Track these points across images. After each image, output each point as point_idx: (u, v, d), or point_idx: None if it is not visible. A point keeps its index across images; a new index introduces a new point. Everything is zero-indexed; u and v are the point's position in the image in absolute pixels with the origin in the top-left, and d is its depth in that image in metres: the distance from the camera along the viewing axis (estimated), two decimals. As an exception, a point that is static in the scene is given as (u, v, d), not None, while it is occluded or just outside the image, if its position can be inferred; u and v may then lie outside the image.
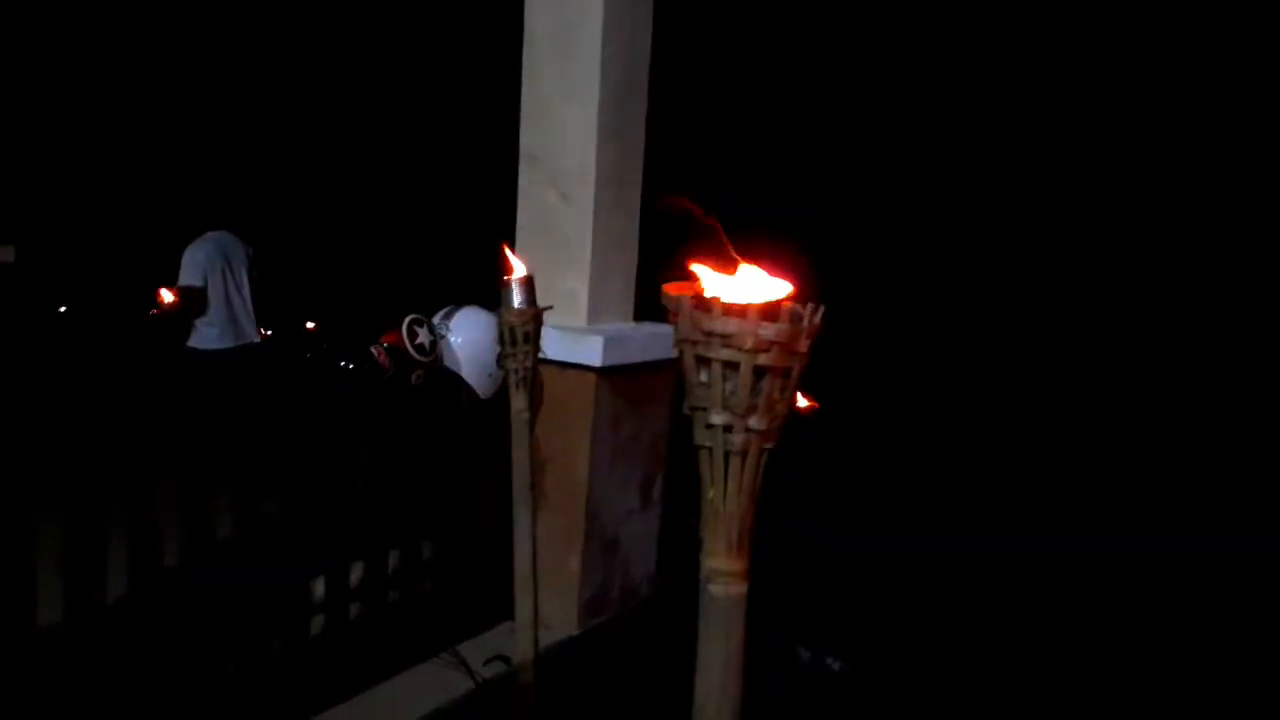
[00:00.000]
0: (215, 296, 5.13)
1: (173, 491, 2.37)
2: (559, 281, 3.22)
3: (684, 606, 3.14)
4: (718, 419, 0.88)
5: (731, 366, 0.87)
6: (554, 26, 3.27)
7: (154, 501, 2.30)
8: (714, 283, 0.90)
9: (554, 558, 3.13)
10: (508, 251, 2.34)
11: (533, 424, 2.41)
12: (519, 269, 2.31)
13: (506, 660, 3.01)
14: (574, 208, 3.29)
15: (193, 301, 5.10)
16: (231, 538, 2.51)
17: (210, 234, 5.23)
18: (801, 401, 3.20)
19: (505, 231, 3.45)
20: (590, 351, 3.18)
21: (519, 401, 2.33)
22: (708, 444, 0.90)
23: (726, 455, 0.89)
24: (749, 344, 0.85)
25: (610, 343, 3.20)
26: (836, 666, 3.18)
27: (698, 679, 0.95)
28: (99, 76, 7.79)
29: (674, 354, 2.97)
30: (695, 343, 0.88)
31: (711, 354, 0.87)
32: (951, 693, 3.17)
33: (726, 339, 0.86)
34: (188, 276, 5.11)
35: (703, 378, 0.89)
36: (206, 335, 5.15)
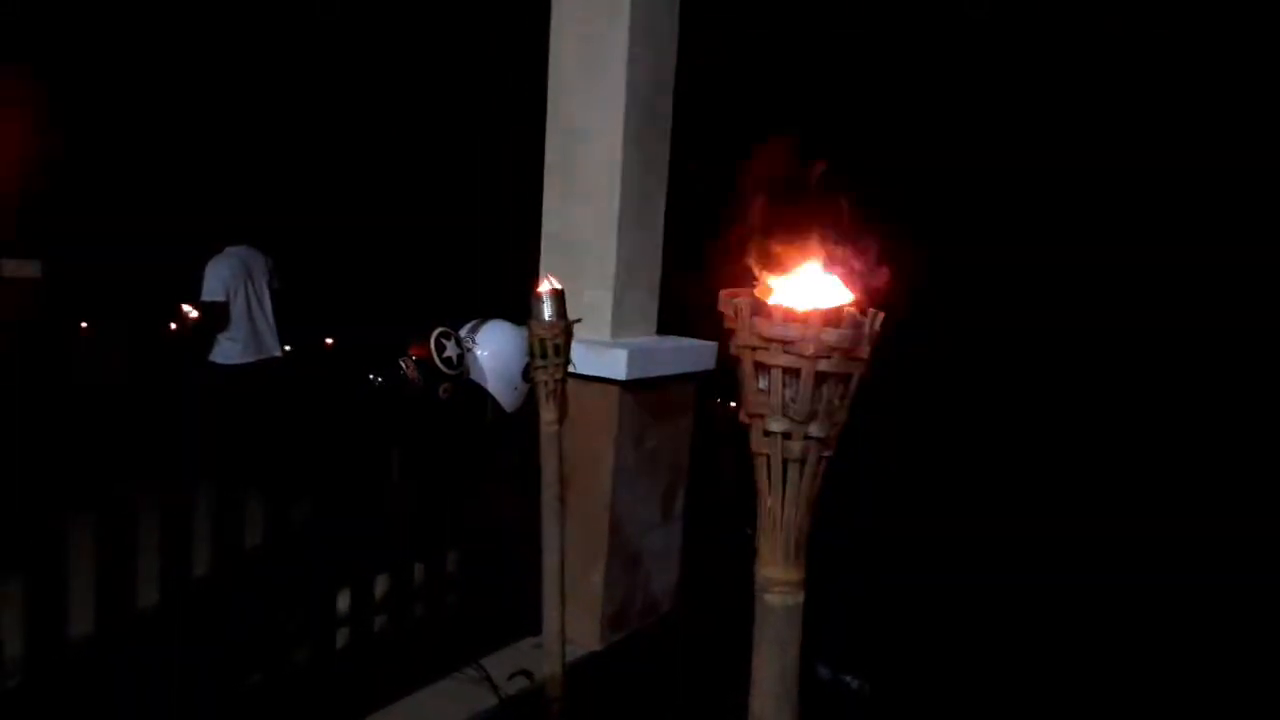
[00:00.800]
0: (237, 311, 5.15)
1: (203, 503, 2.37)
2: (583, 294, 3.22)
3: (706, 622, 3.14)
4: (777, 426, 0.87)
5: (791, 373, 0.86)
6: (580, 41, 3.29)
7: (188, 512, 2.30)
8: (774, 287, 0.89)
9: (576, 572, 3.12)
10: (538, 269, 2.35)
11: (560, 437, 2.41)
12: (549, 281, 2.31)
13: (529, 675, 3.00)
14: (598, 220, 3.30)
15: (216, 317, 5.13)
16: (260, 549, 2.51)
17: (231, 248, 5.26)
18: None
19: (530, 244, 3.47)
20: (614, 364, 3.17)
21: (549, 413, 2.33)
22: (766, 451, 0.89)
23: (785, 463, 0.88)
24: (811, 350, 0.84)
25: (635, 356, 3.20)
26: (855, 685, 3.15)
27: (753, 692, 0.93)
28: (123, 90, 7.86)
29: (697, 368, 2.95)
30: (754, 349, 0.87)
31: (771, 360, 0.86)
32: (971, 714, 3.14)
33: (788, 344, 0.85)
34: (210, 292, 5.14)
35: (761, 384, 0.88)
36: (229, 350, 5.17)
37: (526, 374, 3.14)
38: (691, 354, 3.57)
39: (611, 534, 3.32)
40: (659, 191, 3.48)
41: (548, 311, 2.30)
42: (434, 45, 7.67)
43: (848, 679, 3.15)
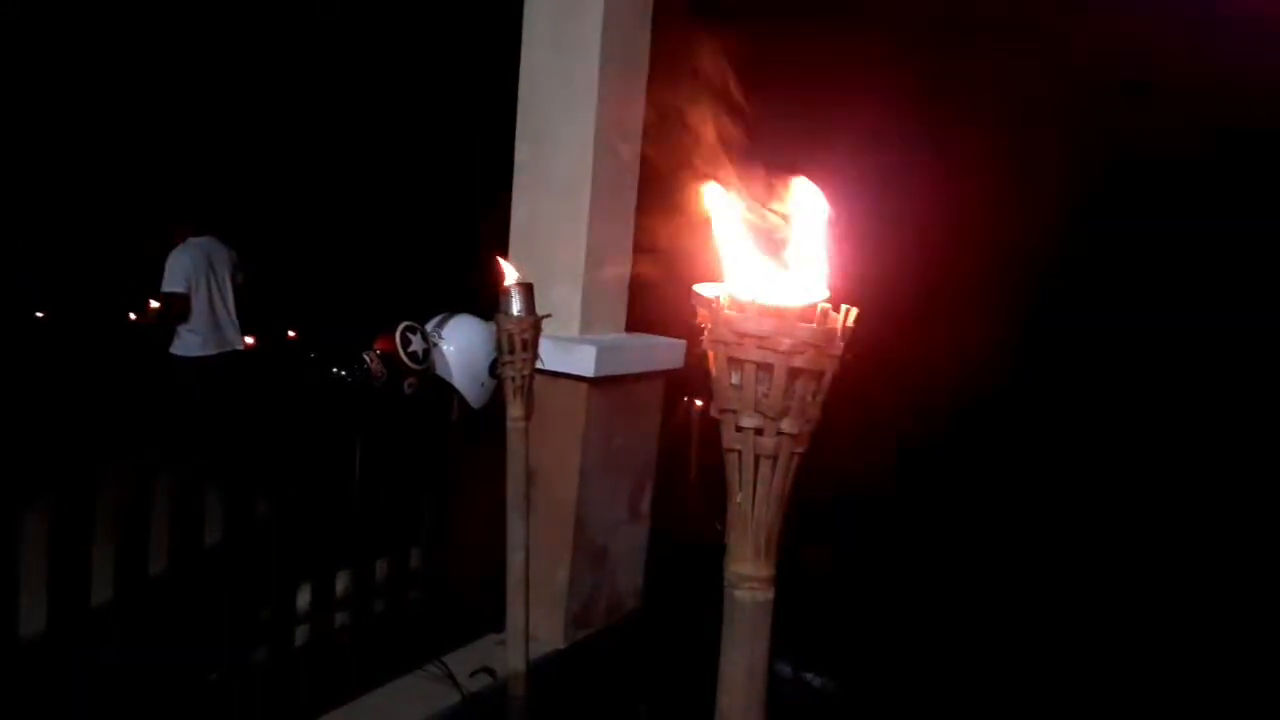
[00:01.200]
0: (199, 303, 5.08)
1: (161, 497, 2.32)
2: (551, 291, 3.20)
3: (672, 620, 3.13)
4: (749, 422, 0.87)
5: (764, 369, 0.86)
6: (552, 35, 3.27)
7: (146, 506, 2.26)
8: (745, 282, 0.89)
9: (542, 569, 3.10)
10: (503, 261, 2.33)
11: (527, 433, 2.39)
12: (517, 276, 2.29)
13: (492, 672, 2.98)
14: (568, 216, 3.29)
15: (176, 308, 5.05)
16: (219, 544, 2.47)
17: (194, 239, 5.18)
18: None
19: (497, 238, 3.45)
20: (583, 361, 3.16)
21: (516, 409, 2.31)
22: (737, 447, 0.88)
23: (757, 459, 0.87)
24: (784, 345, 0.84)
25: (604, 353, 3.19)
26: (817, 683, 3.17)
27: (720, 689, 0.93)
28: (78, 78, 7.70)
29: (665, 366, 2.95)
30: (728, 344, 0.86)
31: (745, 355, 0.85)
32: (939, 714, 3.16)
33: (761, 340, 0.85)
34: (171, 283, 5.06)
35: (734, 380, 0.87)
36: (189, 342, 5.10)
37: (493, 370, 3.12)
38: (660, 352, 3.56)
39: (577, 531, 3.31)
40: (630, 186, 3.47)
41: (516, 306, 2.28)
42: (404, 33, 7.60)
43: (809, 676, 3.16)
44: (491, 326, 3.14)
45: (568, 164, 3.28)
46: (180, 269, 5.06)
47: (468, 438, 3.17)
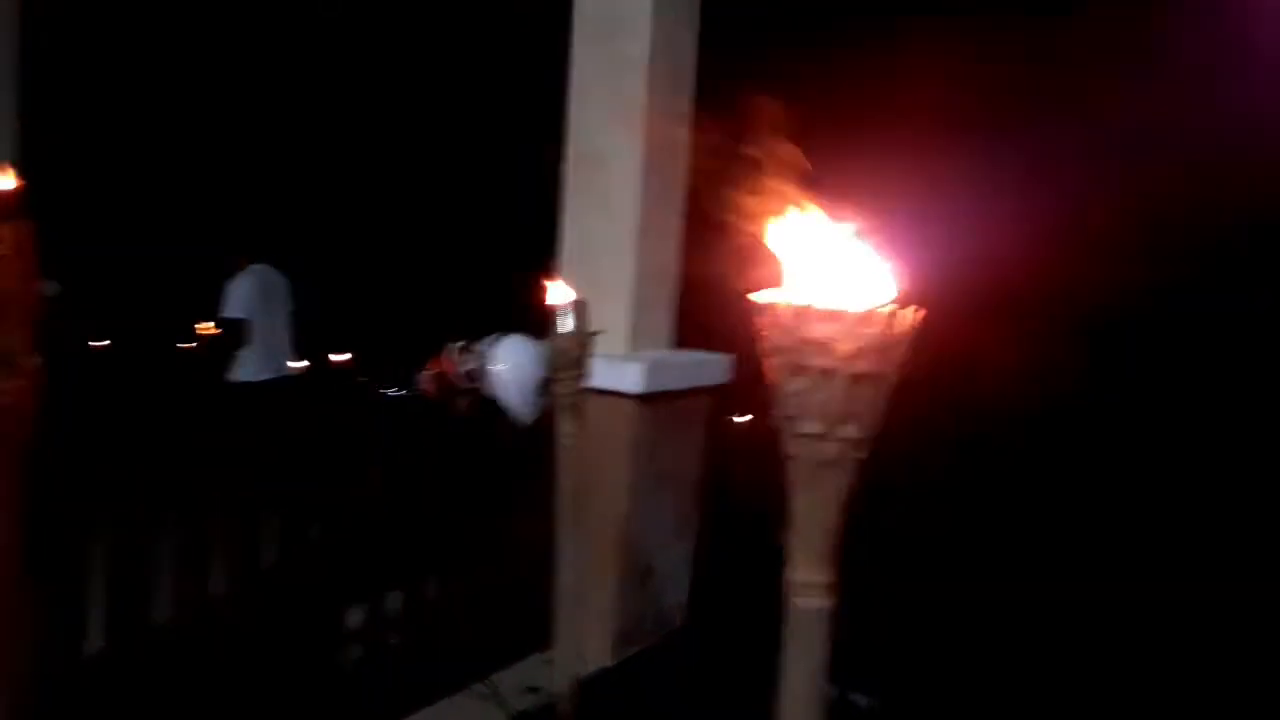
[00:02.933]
0: (256, 329, 5.20)
1: (220, 520, 2.37)
2: (600, 309, 3.21)
3: (718, 640, 3.10)
4: (810, 428, 0.87)
5: (826, 374, 0.86)
6: (601, 56, 3.31)
7: (205, 530, 2.30)
8: (802, 287, 0.89)
9: (588, 587, 3.10)
10: (552, 284, 2.35)
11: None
12: (569, 294, 2.32)
13: (539, 691, 2.98)
14: (616, 235, 3.31)
15: (237, 334, 5.17)
16: (275, 566, 2.50)
17: (253, 267, 5.30)
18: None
19: (548, 258, 3.48)
20: (630, 378, 3.17)
21: (567, 425, 2.33)
22: (798, 454, 0.88)
23: (818, 465, 0.87)
24: (846, 350, 0.84)
25: (651, 370, 3.19)
26: (864, 704, 3.12)
27: (782, 694, 0.92)
28: (137, 106, 7.92)
29: (711, 381, 2.93)
30: (788, 350, 0.87)
31: (806, 361, 0.85)
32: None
33: (822, 346, 0.85)
34: (232, 309, 5.19)
35: (794, 386, 0.88)
36: (246, 368, 5.21)
37: (543, 388, 3.15)
38: (706, 367, 3.56)
39: (624, 549, 3.30)
40: (678, 204, 3.49)
41: (569, 323, 2.30)
42: (452, 53, 7.69)
43: (855, 697, 3.11)
44: (541, 346, 3.17)
45: (617, 184, 3.30)
46: (240, 295, 5.18)
47: (516, 456, 3.19)
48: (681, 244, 3.53)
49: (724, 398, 3.84)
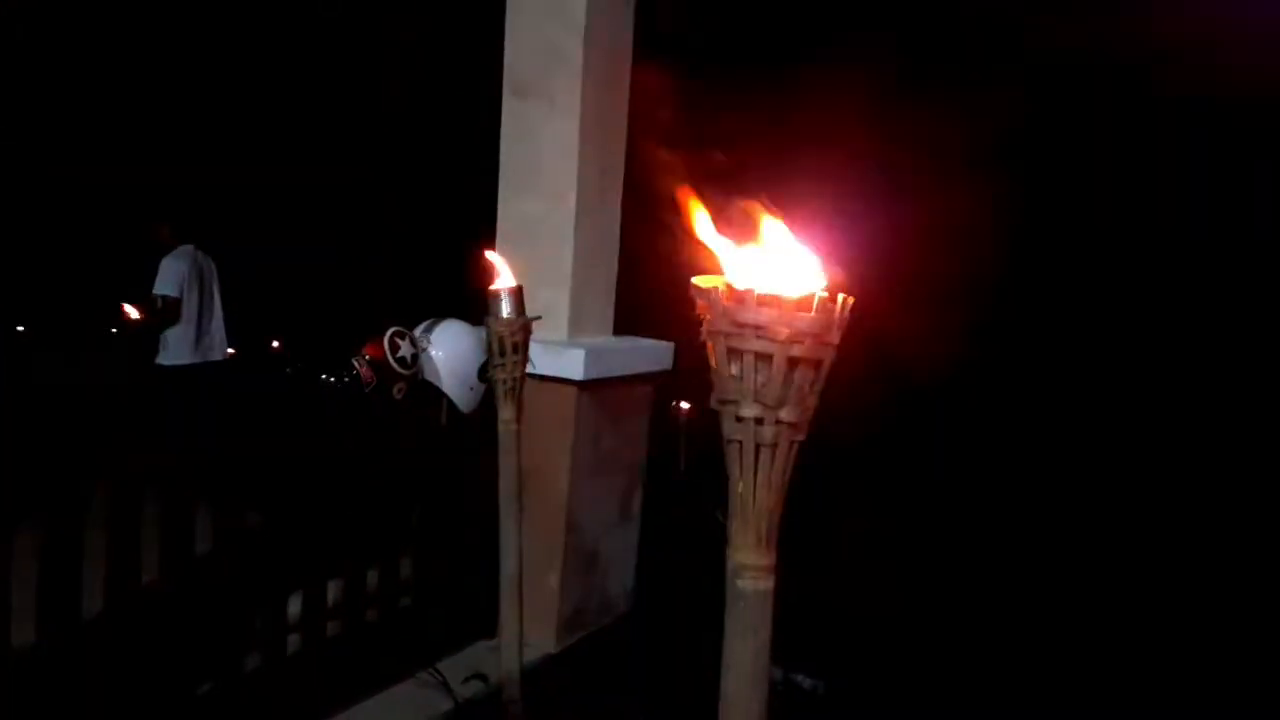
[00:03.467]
0: (188, 311, 5.06)
1: (150, 507, 2.31)
2: (539, 293, 3.19)
3: (664, 624, 3.12)
4: (749, 411, 0.87)
5: (764, 358, 0.87)
6: (536, 39, 3.28)
7: (136, 516, 2.24)
8: (740, 272, 0.90)
9: (533, 573, 3.09)
10: (493, 257, 2.32)
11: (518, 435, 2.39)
12: (508, 279, 2.30)
13: (485, 678, 2.97)
14: (554, 219, 3.29)
15: (168, 312, 5.01)
16: (210, 553, 2.45)
17: (184, 248, 5.16)
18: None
19: (484, 242, 3.44)
20: (572, 365, 3.16)
21: (507, 412, 2.31)
22: (738, 437, 0.89)
23: (757, 448, 0.88)
24: (783, 335, 0.85)
25: (592, 356, 3.19)
26: (809, 685, 3.16)
27: (724, 676, 0.94)
28: (61, 80, 7.64)
29: (654, 368, 2.95)
30: (728, 334, 0.87)
31: (744, 345, 0.86)
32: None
33: (760, 330, 0.85)
34: (164, 286, 5.03)
35: (734, 370, 0.88)
36: (176, 351, 5.07)
37: (482, 374, 3.12)
38: (648, 354, 3.57)
39: (568, 535, 3.31)
40: (615, 188, 3.48)
41: (506, 309, 2.28)
42: (389, 35, 7.58)
43: (800, 679, 3.15)
44: (479, 331, 3.14)
45: (553, 166, 3.28)
46: (174, 273, 5.03)
47: (455, 442, 3.16)
48: (619, 226, 3.52)
49: (666, 383, 3.86)
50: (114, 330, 5.93)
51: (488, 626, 3.35)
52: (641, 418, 3.65)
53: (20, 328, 6.50)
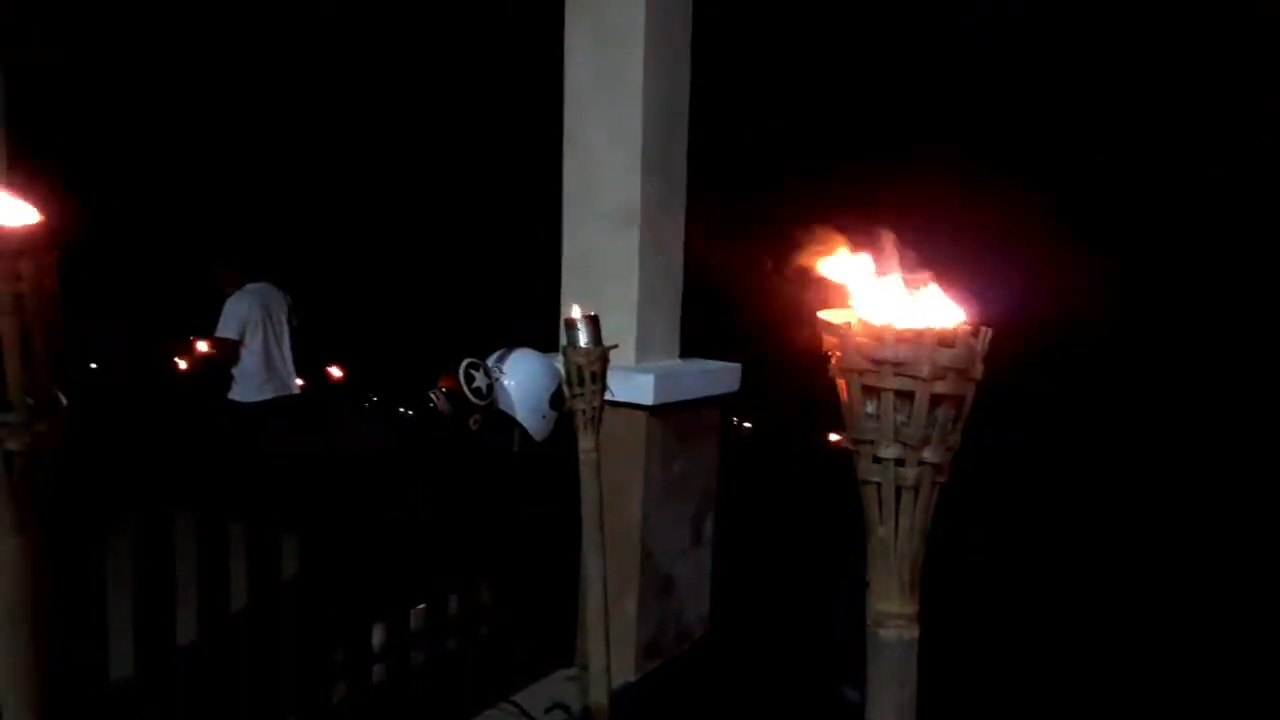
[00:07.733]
0: (256, 349, 5.15)
1: (236, 539, 2.33)
2: (606, 319, 3.18)
3: (740, 649, 3.07)
4: (889, 453, 0.84)
5: (904, 396, 0.83)
6: (595, 66, 3.28)
7: (226, 547, 2.26)
8: (875, 308, 0.87)
9: (609, 601, 3.07)
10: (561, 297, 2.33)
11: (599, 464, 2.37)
12: (581, 308, 2.29)
13: (567, 708, 2.95)
14: (619, 245, 3.28)
15: (226, 353, 5.12)
16: (294, 584, 2.47)
17: (251, 286, 5.25)
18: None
19: (549, 268, 3.45)
20: (641, 390, 3.14)
21: (587, 441, 2.30)
22: (875, 479, 0.85)
23: (898, 490, 0.85)
24: (926, 372, 0.81)
25: (661, 380, 3.17)
26: (856, 699, 3.08)
27: (867, 729, 0.90)
28: (134, 121, 7.84)
29: (722, 390, 2.90)
30: (863, 372, 0.84)
31: (883, 383, 0.83)
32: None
33: (900, 367, 0.82)
34: (224, 329, 5.14)
35: (870, 409, 0.85)
36: (246, 388, 5.16)
37: (554, 402, 3.11)
38: (716, 377, 3.53)
39: (643, 561, 3.27)
40: (678, 212, 3.46)
41: (584, 338, 2.27)
42: (451, 62, 7.66)
43: (848, 691, 3.07)
44: (551, 359, 3.14)
45: (616, 193, 3.27)
46: (235, 315, 5.13)
47: (530, 471, 3.15)
48: (684, 251, 3.51)
49: (733, 406, 3.83)
50: (180, 368, 6.07)
51: (564, 656, 3.33)
52: (712, 440, 3.61)
53: (93, 365, 6.67)
